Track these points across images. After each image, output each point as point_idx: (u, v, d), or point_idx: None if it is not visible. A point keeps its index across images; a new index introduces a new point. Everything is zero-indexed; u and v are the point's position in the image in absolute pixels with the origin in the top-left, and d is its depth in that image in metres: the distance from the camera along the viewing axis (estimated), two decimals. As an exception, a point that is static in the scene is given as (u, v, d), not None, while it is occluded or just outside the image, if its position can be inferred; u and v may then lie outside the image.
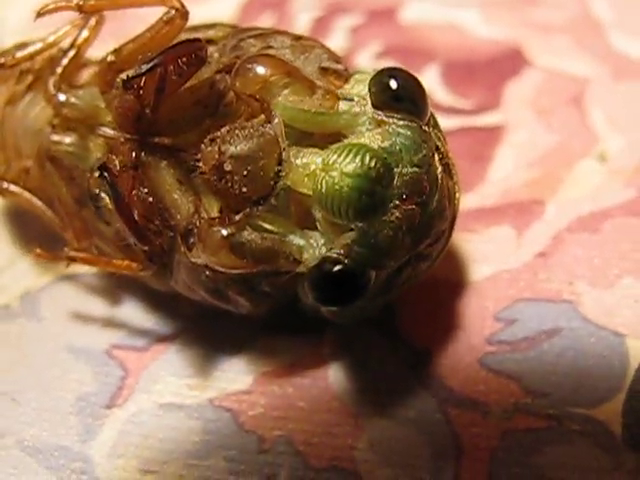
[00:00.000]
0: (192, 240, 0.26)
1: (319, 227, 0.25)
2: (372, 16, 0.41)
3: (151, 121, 0.26)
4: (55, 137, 0.29)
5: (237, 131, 0.25)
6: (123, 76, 0.27)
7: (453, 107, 0.37)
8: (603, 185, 0.34)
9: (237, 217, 0.25)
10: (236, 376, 0.30)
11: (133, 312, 0.32)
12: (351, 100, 0.26)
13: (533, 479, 0.27)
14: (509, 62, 0.38)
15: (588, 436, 0.28)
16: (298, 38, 0.28)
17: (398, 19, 0.41)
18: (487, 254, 0.32)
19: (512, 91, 0.37)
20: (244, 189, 0.24)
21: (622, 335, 0.30)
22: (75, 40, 0.29)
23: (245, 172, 0.24)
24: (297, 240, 0.25)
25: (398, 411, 0.29)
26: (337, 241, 0.25)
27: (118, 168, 0.26)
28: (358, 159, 0.24)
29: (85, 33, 0.29)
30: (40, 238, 0.31)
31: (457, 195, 0.28)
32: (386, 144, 0.25)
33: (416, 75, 0.26)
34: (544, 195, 0.34)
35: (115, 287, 0.32)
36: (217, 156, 0.25)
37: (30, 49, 0.30)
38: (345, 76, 0.27)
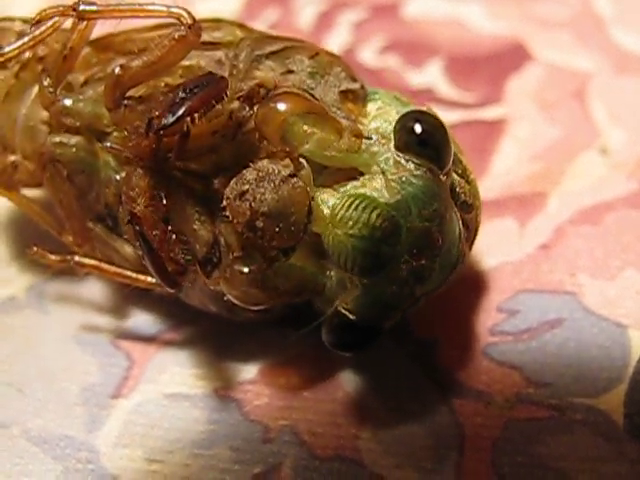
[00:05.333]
0: (210, 268, 0.26)
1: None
2: (375, 11, 0.41)
3: (169, 154, 0.25)
4: (57, 138, 0.28)
5: (265, 183, 0.24)
6: (129, 100, 0.26)
7: (456, 101, 0.37)
8: (605, 178, 0.34)
9: (264, 265, 0.24)
10: (241, 366, 0.30)
11: (139, 303, 0.32)
12: (370, 139, 0.25)
13: (535, 468, 0.27)
14: (512, 56, 0.39)
15: (590, 426, 0.28)
16: (315, 54, 0.28)
17: (401, 14, 0.41)
18: (490, 246, 0.32)
19: (515, 85, 0.38)
20: (274, 242, 0.24)
21: (624, 326, 0.30)
22: (68, 39, 0.27)
23: (277, 229, 0.24)
24: (319, 274, 0.25)
25: (402, 401, 0.29)
26: (346, 291, 0.25)
27: (143, 212, 0.25)
28: (364, 218, 0.24)
29: (81, 26, 0.27)
30: (47, 234, 0.31)
31: (478, 219, 0.28)
32: (395, 198, 0.24)
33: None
34: (546, 188, 0.34)
35: (123, 286, 0.32)
36: (249, 213, 0.24)
37: (19, 43, 0.28)
38: (362, 96, 0.27)
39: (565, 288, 0.31)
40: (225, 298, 0.26)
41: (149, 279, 0.28)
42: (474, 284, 0.31)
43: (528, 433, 0.28)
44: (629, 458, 0.27)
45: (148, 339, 0.31)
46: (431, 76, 0.38)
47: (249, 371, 0.30)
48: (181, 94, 0.24)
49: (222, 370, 0.30)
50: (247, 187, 0.24)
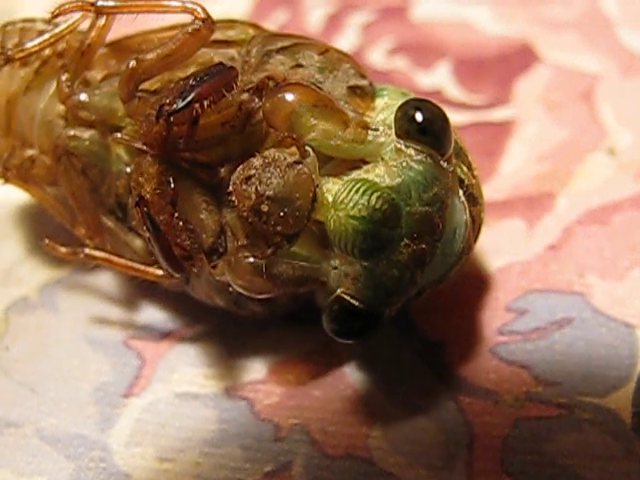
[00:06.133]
0: (215, 257, 0.26)
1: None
2: (384, 13, 0.42)
3: (179, 142, 0.26)
4: (72, 132, 0.29)
5: (272, 168, 0.24)
6: (146, 95, 0.27)
7: (464, 103, 0.37)
8: (613, 178, 0.34)
9: (269, 251, 0.25)
10: (252, 365, 0.31)
11: (150, 303, 0.32)
12: (376, 130, 0.26)
13: (544, 466, 0.27)
14: (519, 58, 0.39)
15: (598, 424, 0.28)
16: (324, 50, 0.28)
17: (409, 16, 0.41)
18: (499, 246, 0.32)
19: (522, 87, 0.38)
20: (278, 228, 0.24)
21: (632, 326, 0.30)
22: (87, 36, 0.28)
23: (282, 213, 0.24)
24: (323, 263, 0.26)
25: (411, 400, 0.29)
26: (347, 277, 0.25)
27: (151, 195, 0.25)
28: (364, 200, 0.24)
29: (101, 22, 0.28)
30: (58, 232, 0.32)
31: (482, 215, 0.28)
32: (396, 182, 0.25)
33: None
34: (554, 188, 0.34)
35: (132, 278, 0.33)
36: (254, 197, 0.24)
37: (39, 39, 0.28)
38: (370, 93, 0.28)
39: (574, 288, 0.31)
40: (230, 289, 0.27)
41: (158, 271, 0.28)
42: (483, 284, 0.32)
43: (537, 432, 0.28)
44: (637, 456, 0.27)
45: (159, 339, 0.32)
46: (439, 78, 0.38)
47: (259, 370, 0.30)
48: (191, 82, 0.25)
49: (232, 369, 0.31)
50: (253, 172, 0.24)
